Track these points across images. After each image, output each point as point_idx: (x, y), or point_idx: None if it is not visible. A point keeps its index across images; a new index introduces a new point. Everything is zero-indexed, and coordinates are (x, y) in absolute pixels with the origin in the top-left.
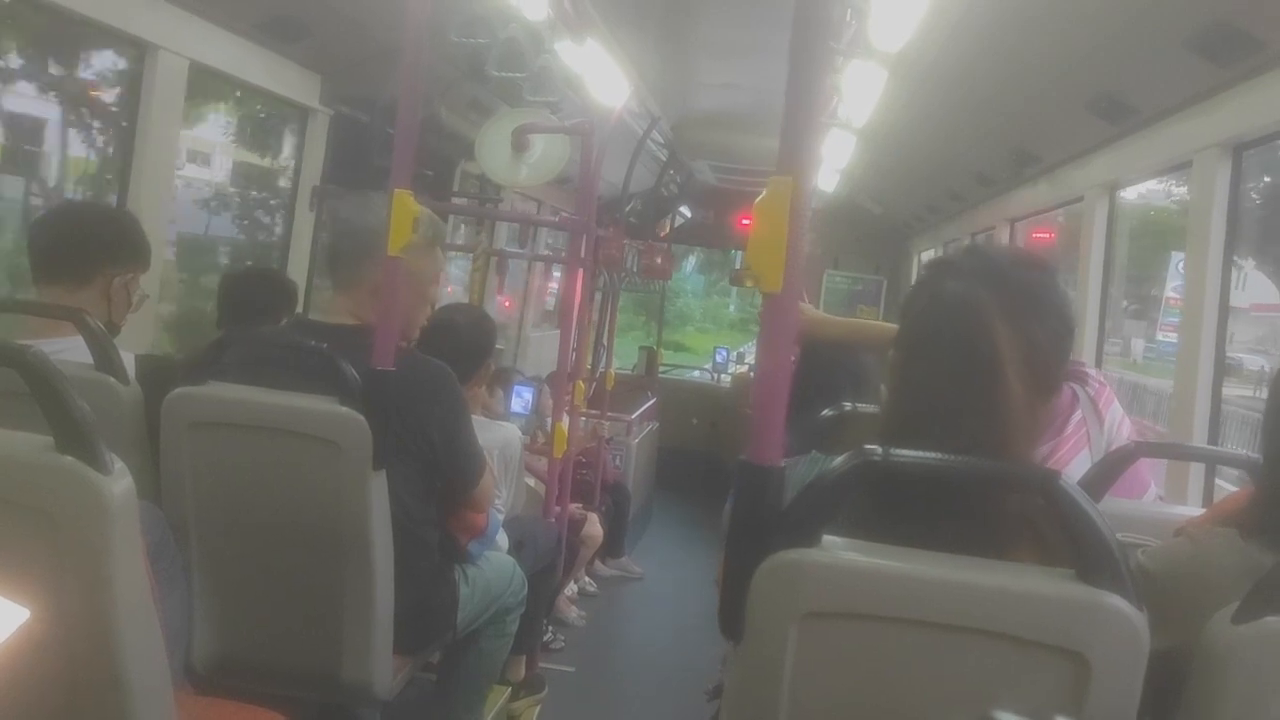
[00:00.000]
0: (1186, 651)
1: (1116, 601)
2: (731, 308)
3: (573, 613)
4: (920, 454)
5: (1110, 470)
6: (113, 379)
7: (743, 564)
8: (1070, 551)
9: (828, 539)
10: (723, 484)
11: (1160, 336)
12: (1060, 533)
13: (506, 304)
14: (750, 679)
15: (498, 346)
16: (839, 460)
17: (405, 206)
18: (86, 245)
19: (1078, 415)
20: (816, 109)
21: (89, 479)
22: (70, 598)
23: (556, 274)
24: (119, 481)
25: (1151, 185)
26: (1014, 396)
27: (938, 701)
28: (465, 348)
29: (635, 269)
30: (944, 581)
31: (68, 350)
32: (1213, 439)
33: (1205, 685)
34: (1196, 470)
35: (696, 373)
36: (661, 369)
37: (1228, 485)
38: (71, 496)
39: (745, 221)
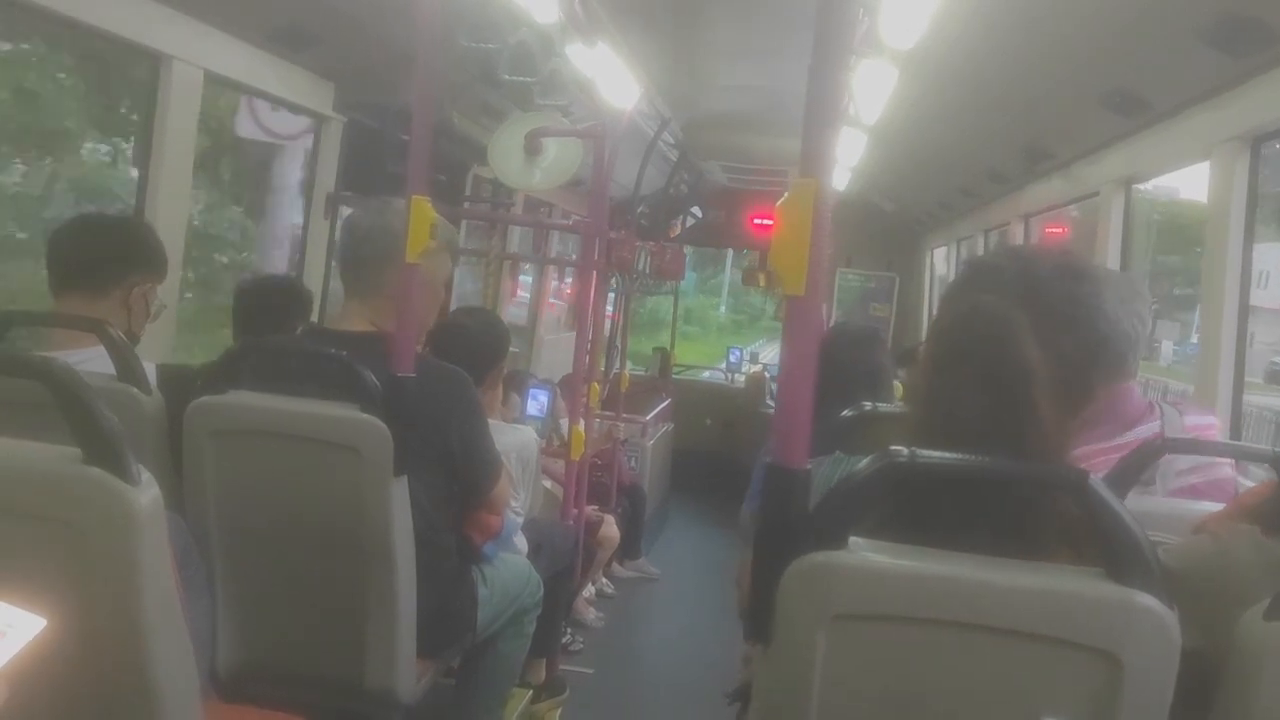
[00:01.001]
0: (1211, 650)
1: (1148, 600)
2: (722, 308)
3: (591, 614)
4: (947, 455)
5: (1133, 466)
6: (135, 389)
7: (771, 566)
8: (1100, 550)
9: (855, 540)
10: (739, 485)
11: (1195, 339)
12: (1091, 533)
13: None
14: (780, 682)
15: (512, 350)
16: (865, 462)
17: (423, 212)
18: (105, 255)
19: (1147, 430)
20: (839, 110)
21: (117, 490)
22: (99, 609)
23: (559, 282)
24: (147, 492)
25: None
26: (1042, 418)
27: (969, 703)
28: (477, 351)
29: (647, 270)
30: (974, 582)
31: (88, 361)
32: (1234, 435)
33: (1240, 683)
34: None
35: (708, 373)
36: (675, 371)
37: (1247, 484)
38: (100, 508)
39: (756, 221)
